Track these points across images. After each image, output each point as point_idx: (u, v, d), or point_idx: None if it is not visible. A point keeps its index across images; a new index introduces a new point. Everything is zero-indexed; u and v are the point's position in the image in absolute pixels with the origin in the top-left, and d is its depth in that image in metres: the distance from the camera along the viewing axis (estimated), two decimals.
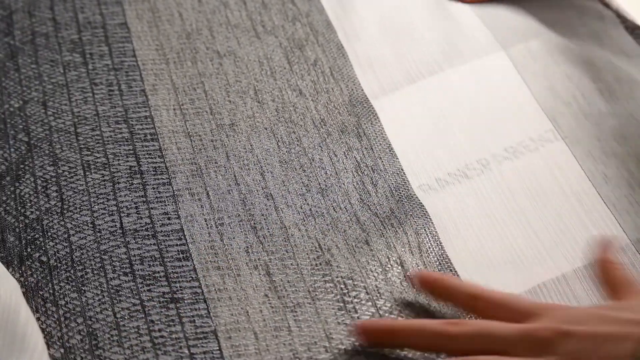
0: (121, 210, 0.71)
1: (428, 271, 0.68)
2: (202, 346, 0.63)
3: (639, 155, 0.75)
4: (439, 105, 0.81)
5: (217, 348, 0.63)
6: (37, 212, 0.71)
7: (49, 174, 0.74)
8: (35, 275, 0.66)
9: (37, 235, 0.69)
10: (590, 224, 0.71)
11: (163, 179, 0.74)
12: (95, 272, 0.67)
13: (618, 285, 0.64)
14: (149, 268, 0.67)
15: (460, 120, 0.79)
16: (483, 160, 0.76)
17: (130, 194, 0.72)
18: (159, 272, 0.67)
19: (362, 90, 0.82)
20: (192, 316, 0.64)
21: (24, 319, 0.60)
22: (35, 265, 0.67)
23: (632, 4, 0.92)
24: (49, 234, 0.69)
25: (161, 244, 0.69)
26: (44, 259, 0.68)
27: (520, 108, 0.80)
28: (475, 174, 0.75)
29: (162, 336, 0.63)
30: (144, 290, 0.66)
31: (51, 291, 0.66)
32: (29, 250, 0.68)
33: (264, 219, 0.71)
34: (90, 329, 0.63)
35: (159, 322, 0.64)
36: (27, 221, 0.70)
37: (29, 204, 0.72)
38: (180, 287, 0.66)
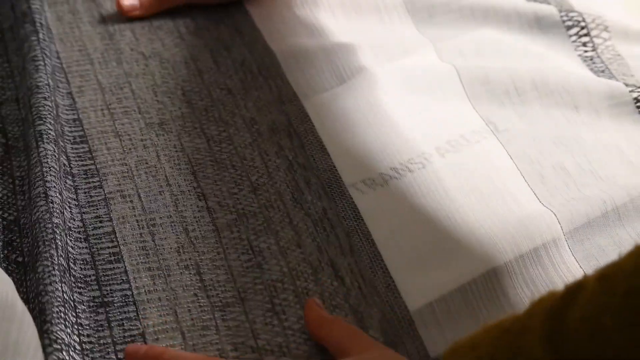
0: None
1: (135, 346, 0.63)
2: None
3: (573, 152, 0.75)
4: (378, 101, 0.80)
5: None
6: (15, 213, 0.70)
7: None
8: (11, 277, 0.65)
9: (14, 237, 0.68)
10: (522, 216, 0.71)
11: (94, 182, 0.73)
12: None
13: (344, 340, 0.62)
14: (81, 271, 0.66)
15: (397, 117, 0.78)
16: (426, 154, 0.75)
17: (64, 192, 0.71)
18: (90, 276, 0.66)
19: (292, 88, 0.82)
20: (121, 319, 0.64)
21: (19, 317, 0.58)
22: (12, 267, 0.67)
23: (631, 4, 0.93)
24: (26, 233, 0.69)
25: (93, 247, 0.68)
26: (20, 259, 0.67)
27: (456, 106, 0.80)
28: (417, 168, 0.75)
29: (90, 342, 0.63)
30: (76, 293, 0.65)
31: (25, 290, 0.65)
32: (5, 252, 0.68)
33: (196, 221, 0.71)
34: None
35: (87, 327, 0.63)
36: (5, 223, 0.69)
37: (7, 206, 0.71)
38: (110, 290, 0.66)
